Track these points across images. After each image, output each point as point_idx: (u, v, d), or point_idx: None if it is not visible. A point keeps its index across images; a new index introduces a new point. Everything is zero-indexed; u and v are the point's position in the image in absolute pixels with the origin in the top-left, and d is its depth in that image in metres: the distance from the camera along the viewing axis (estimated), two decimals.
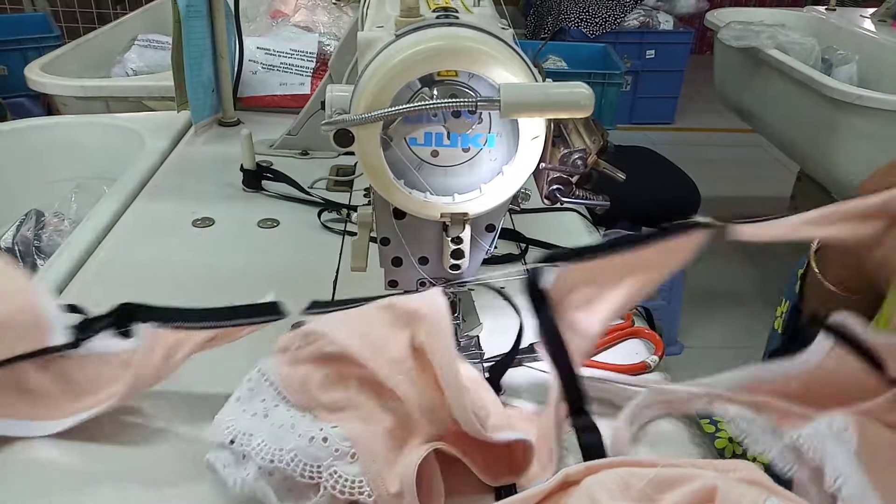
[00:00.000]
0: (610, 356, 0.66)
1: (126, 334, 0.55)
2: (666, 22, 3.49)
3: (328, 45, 1.24)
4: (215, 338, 0.54)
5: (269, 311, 0.54)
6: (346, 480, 0.44)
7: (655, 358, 0.66)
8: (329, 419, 0.46)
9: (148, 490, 0.50)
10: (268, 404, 0.47)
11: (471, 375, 0.50)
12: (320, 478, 0.44)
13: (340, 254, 0.82)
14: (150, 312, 0.55)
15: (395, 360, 0.45)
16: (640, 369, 0.64)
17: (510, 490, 0.49)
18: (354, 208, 0.90)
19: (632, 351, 0.67)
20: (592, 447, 0.50)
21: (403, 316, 0.47)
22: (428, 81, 0.48)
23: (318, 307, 0.54)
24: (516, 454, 0.49)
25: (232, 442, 0.46)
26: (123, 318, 0.55)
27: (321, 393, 0.47)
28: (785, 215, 0.48)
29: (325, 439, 0.44)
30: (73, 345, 0.54)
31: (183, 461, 0.52)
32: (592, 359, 0.64)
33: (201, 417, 0.52)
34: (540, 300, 0.52)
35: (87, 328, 0.55)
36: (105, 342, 0.55)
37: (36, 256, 0.99)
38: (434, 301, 0.46)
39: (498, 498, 0.48)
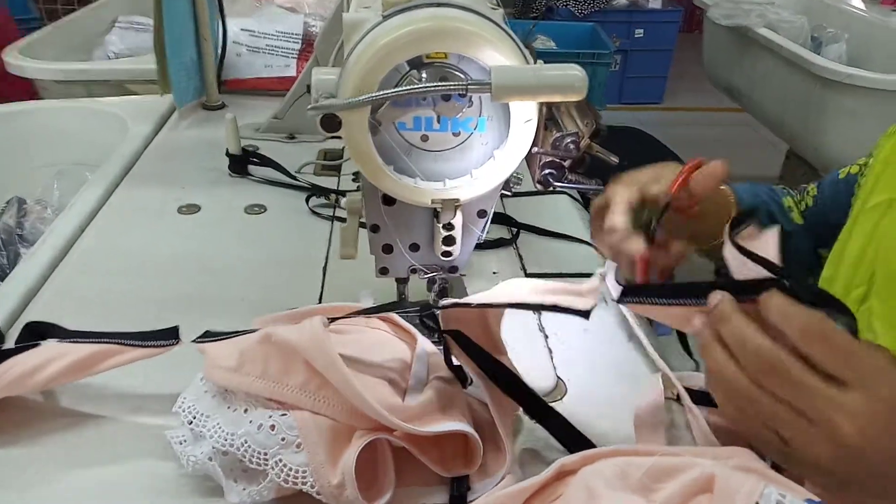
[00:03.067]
0: None
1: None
2: (655, 1, 3.47)
3: (314, 26, 1.21)
4: (97, 360, 0.53)
5: (164, 337, 0.54)
6: (291, 470, 0.44)
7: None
8: (281, 407, 0.46)
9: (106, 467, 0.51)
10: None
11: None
12: (266, 465, 0.44)
13: (329, 240, 0.81)
14: (55, 330, 0.56)
15: (299, 385, 0.46)
16: None
17: (463, 481, 0.49)
18: (343, 193, 0.89)
19: None
20: (562, 432, 0.50)
21: (285, 346, 0.47)
22: (417, 64, 0.47)
23: (210, 336, 0.54)
24: (470, 446, 0.49)
25: (190, 422, 0.47)
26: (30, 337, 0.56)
27: (257, 382, 0.47)
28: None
29: (272, 427, 0.45)
30: None
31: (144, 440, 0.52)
32: None
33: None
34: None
35: None
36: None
37: (19, 245, 0.98)
38: (314, 334, 0.46)
39: (453, 489, 0.48)
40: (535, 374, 0.59)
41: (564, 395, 0.59)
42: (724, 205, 0.64)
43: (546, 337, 0.64)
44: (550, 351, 0.63)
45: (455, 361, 0.51)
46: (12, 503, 0.48)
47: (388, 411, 0.45)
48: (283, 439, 0.44)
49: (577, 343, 0.64)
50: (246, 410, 0.46)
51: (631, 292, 0.45)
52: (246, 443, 0.44)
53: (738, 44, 2.19)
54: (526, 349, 0.62)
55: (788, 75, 1.95)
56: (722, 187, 0.64)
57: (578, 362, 0.62)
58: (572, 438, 0.50)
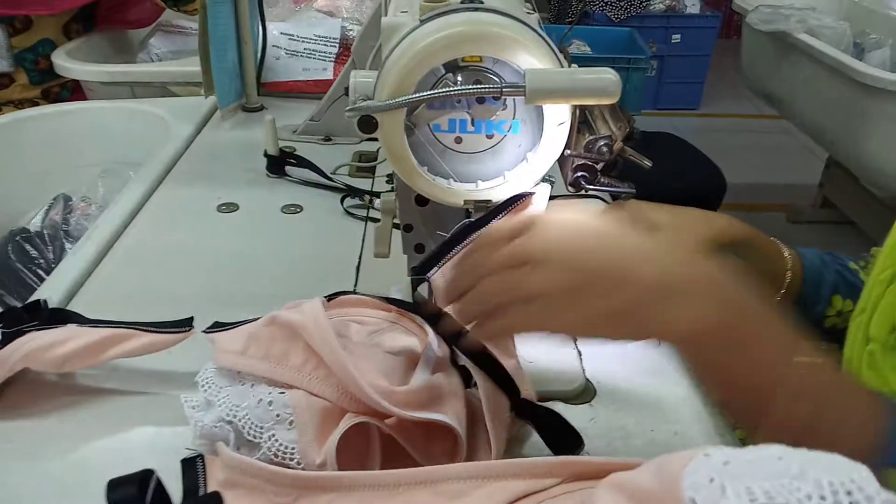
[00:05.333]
0: None
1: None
2: (693, 5, 3.43)
3: (351, 30, 1.23)
4: (112, 343, 0.56)
5: (178, 327, 0.57)
6: (281, 445, 0.46)
7: None
8: (282, 385, 0.48)
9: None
10: None
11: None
12: (261, 438, 0.46)
13: (363, 240, 0.82)
14: (73, 317, 0.59)
15: (297, 366, 0.48)
16: None
17: None
18: (377, 194, 0.90)
19: None
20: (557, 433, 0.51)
21: (288, 327, 0.49)
22: (452, 67, 0.48)
23: (219, 326, 0.56)
24: (453, 439, 0.49)
25: (206, 390, 0.50)
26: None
27: (270, 367, 0.49)
28: None
29: (270, 403, 0.47)
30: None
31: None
32: None
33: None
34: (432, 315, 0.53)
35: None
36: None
37: (64, 240, 1.01)
38: (313, 313, 0.49)
39: None
40: (564, 377, 0.60)
41: (594, 397, 0.59)
42: (776, 268, 0.63)
43: (575, 339, 0.65)
44: (580, 353, 0.63)
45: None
46: (36, 472, 0.50)
47: (378, 394, 0.46)
48: (277, 416, 0.47)
49: (606, 345, 0.65)
50: (252, 385, 0.49)
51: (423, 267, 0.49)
52: (247, 415, 0.47)
53: (777, 50, 2.16)
54: (555, 351, 0.62)
55: (829, 82, 1.91)
56: (784, 251, 0.64)
57: (608, 364, 0.62)
58: (560, 433, 0.50)
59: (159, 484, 0.43)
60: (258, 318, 0.53)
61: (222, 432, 0.48)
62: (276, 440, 0.46)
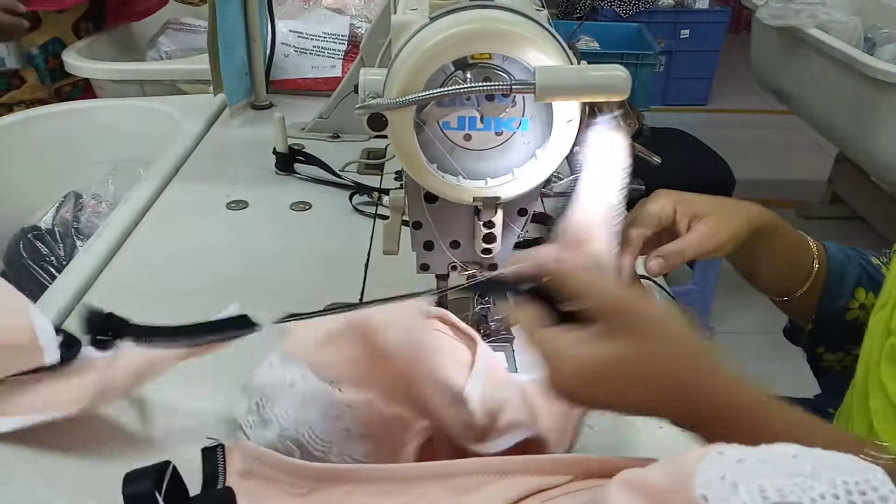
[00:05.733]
0: None
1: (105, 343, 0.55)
2: (701, 1, 3.41)
3: (359, 27, 1.23)
4: (187, 356, 0.54)
5: (241, 325, 0.54)
6: (353, 460, 0.45)
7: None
8: (349, 396, 0.47)
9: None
10: (295, 374, 0.49)
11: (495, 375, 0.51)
12: (330, 452, 0.46)
13: (372, 236, 0.83)
14: (130, 328, 0.55)
15: (367, 376, 0.47)
16: None
17: None
18: (386, 191, 0.90)
19: None
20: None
21: (367, 332, 0.47)
22: (461, 64, 0.48)
23: (292, 317, 0.54)
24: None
25: (258, 406, 0.49)
26: (104, 327, 0.56)
27: (348, 369, 0.48)
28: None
29: (338, 418, 0.46)
30: (62, 363, 0.55)
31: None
32: None
33: None
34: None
35: (72, 345, 0.56)
36: (85, 349, 0.56)
37: (75, 238, 1.02)
38: (407, 324, 0.47)
39: None
40: None
41: None
42: (803, 258, 0.65)
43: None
44: None
45: None
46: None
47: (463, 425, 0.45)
48: (346, 430, 0.46)
49: None
50: (314, 399, 0.47)
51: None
52: (311, 430, 0.46)
53: (787, 45, 2.15)
54: None
55: (840, 77, 1.90)
56: (810, 242, 0.65)
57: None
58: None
59: (175, 476, 0.43)
60: (333, 310, 0.51)
61: (284, 448, 0.47)
62: (349, 455, 0.46)
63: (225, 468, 0.46)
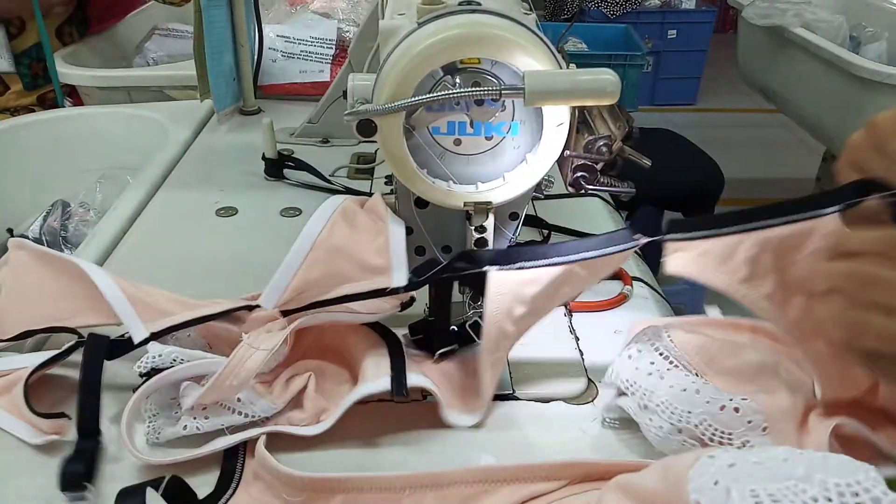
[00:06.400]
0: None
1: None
2: (688, 1, 3.43)
3: (347, 31, 1.23)
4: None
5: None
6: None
7: (629, 287, 0.71)
8: (730, 389, 0.48)
9: None
10: (659, 366, 0.51)
11: None
12: (731, 444, 0.46)
13: None
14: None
15: None
16: (621, 300, 0.69)
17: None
18: None
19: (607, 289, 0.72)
20: None
21: None
22: (450, 69, 0.48)
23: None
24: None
25: (633, 393, 0.51)
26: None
27: (723, 359, 0.49)
28: None
29: (736, 409, 0.46)
30: None
31: None
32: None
33: None
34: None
35: None
36: None
37: (63, 247, 1.01)
38: None
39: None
40: (566, 378, 0.60)
41: (596, 397, 0.59)
42: None
43: (577, 339, 0.65)
44: (582, 354, 0.63)
45: None
46: None
47: None
48: (749, 422, 0.46)
49: (607, 345, 0.65)
50: (697, 391, 0.47)
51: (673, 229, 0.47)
52: (705, 421, 0.46)
53: (773, 44, 2.16)
54: (557, 352, 0.62)
55: (826, 76, 1.91)
56: None
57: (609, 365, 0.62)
58: None
59: (175, 485, 0.43)
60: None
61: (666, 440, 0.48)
62: (751, 446, 0.46)
63: (244, 466, 0.48)
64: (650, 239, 0.48)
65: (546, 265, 0.49)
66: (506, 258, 0.50)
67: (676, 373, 0.49)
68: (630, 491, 0.33)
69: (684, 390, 0.48)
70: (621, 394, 0.53)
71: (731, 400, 0.46)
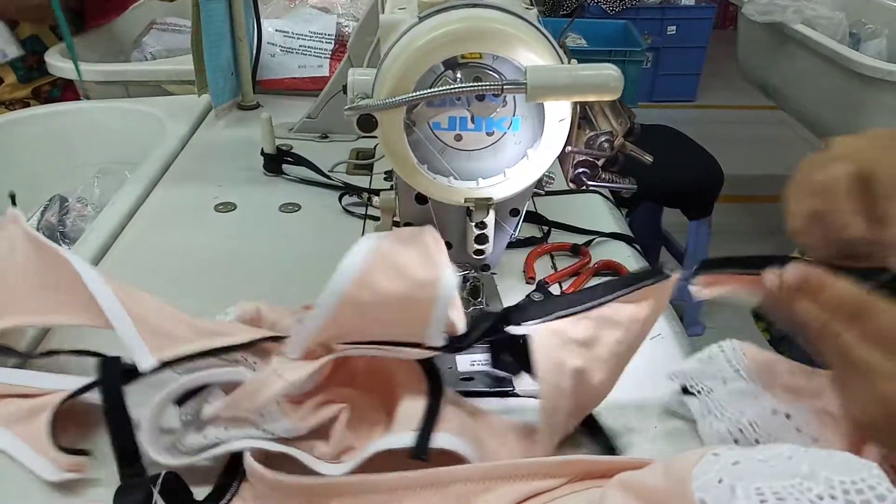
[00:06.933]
0: None
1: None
2: None
3: (346, 26, 1.23)
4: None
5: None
6: None
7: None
8: (788, 401, 0.48)
9: None
10: (725, 374, 0.52)
11: None
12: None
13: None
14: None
15: None
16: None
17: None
18: (375, 192, 0.90)
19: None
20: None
21: None
22: (451, 64, 0.47)
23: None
24: None
25: (699, 392, 0.52)
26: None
27: (790, 378, 0.49)
28: None
29: (787, 416, 0.46)
30: None
31: None
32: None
33: None
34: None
35: None
36: None
37: (61, 242, 1.00)
38: None
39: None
40: None
41: None
42: None
43: None
44: None
45: None
46: None
47: None
48: (798, 430, 0.46)
49: None
50: (756, 396, 0.48)
51: (710, 265, 0.48)
52: (754, 423, 0.47)
53: (773, 40, 2.16)
54: None
55: (826, 72, 1.91)
56: None
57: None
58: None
59: (177, 483, 0.43)
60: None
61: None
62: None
63: (242, 477, 0.46)
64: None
65: (582, 310, 0.49)
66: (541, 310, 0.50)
67: (738, 379, 0.50)
68: (633, 489, 0.33)
69: (742, 393, 0.48)
70: (686, 392, 0.54)
71: (783, 406, 0.47)
